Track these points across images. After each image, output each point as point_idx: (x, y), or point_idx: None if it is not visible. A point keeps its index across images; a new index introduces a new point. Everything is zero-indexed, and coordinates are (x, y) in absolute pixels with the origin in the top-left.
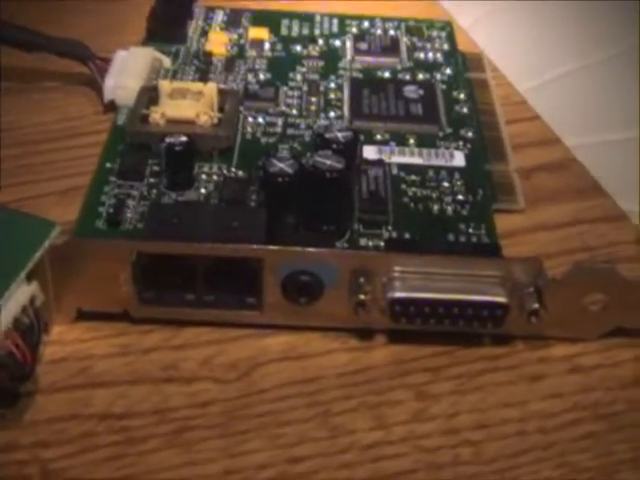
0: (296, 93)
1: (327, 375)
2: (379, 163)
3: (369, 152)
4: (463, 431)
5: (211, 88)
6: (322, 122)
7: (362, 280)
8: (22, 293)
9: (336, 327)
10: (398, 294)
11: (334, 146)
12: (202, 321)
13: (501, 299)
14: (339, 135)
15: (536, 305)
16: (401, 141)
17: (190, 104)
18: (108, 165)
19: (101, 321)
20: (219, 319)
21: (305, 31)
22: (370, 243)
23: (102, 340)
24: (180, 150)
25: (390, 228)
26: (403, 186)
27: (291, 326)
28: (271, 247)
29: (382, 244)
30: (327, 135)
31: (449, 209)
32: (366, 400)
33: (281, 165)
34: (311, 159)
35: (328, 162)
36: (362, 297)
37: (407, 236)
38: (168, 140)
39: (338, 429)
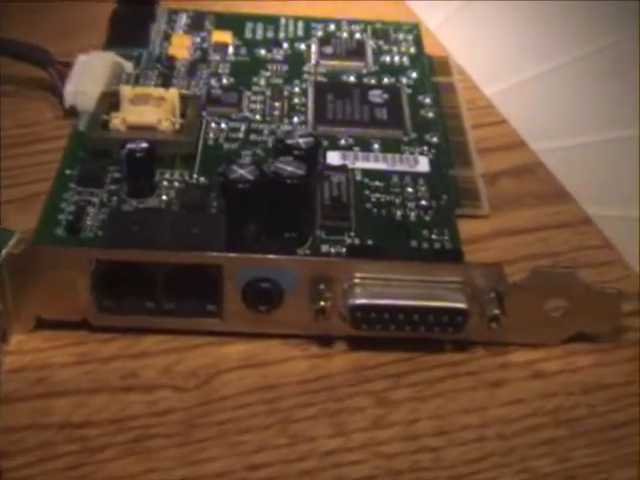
0: (259, 98)
1: (287, 382)
2: (342, 169)
3: (333, 158)
4: (423, 437)
5: (173, 94)
6: (285, 127)
7: (322, 287)
8: None
9: (296, 334)
10: (359, 300)
11: (295, 152)
12: (162, 329)
13: (461, 305)
14: (300, 141)
15: (496, 311)
16: (366, 146)
17: (152, 110)
18: (68, 172)
19: (60, 330)
20: (179, 327)
21: (270, 34)
22: (332, 250)
23: (61, 349)
24: (141, 156)
25: (352, 234)
26: (367, 192)
27: (251, 334)
28: (230, 254)
29: (344, 250)
30: (288, 141)
31: (412, 215)
32: (326, 407)
33: (242, 171)
34: (272, 165)
35: (289, 168)
36: (322, 304)
37: (370, 242)
38: (129, 146)
39: (298, 436)
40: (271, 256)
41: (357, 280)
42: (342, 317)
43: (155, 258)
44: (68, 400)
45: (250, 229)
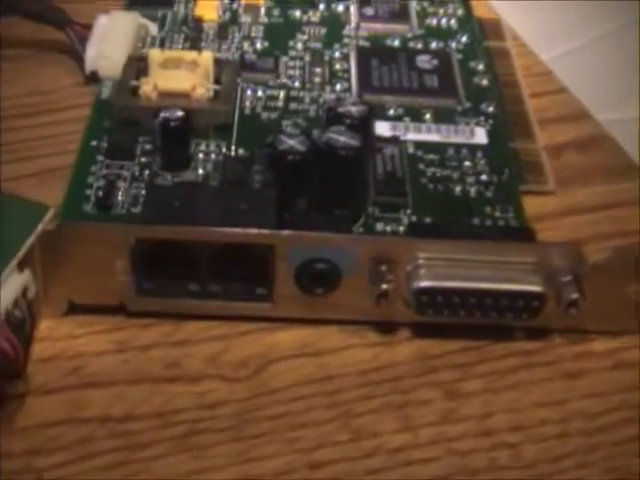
0: (298, 63)
1: (346, 373)
2: (394, 140)
3: (382, 128)
4: (498, 433)
5: (207, 58)
6: (328, 96)
7: (384, 268)
8: (14, 282)
9: (355, 320)
10: (424, 283)
11: (347, 121)
12: (207, 314)
13: (538, 288)
14: (352, 109)
15: (575, 295)
16: (416, 116)
17: (184, 75)
18: (94, 143)
19: (94, 315)
20: (226, 312)
21: None
22: (388, 228)
23: (96, 336)
24: (176, 126)
25: (409, 211)
26: (421, 166)
27: (305, 319)
28: (283, 232)
29: (401, 229)
30: (340, 109)
31: (472, 190)
32: (390, 400)
33: (291, 142)
34: (323, 135)
35: (342, 139)
36: (384, 287)
37: (428, 220)
38: (163, 115)
39: (361, 431)
40: (329, 234)
41: (422, 261)
42: (406, 302)
43: (200, 236)
44: (106, 392)
45: (300, 205)
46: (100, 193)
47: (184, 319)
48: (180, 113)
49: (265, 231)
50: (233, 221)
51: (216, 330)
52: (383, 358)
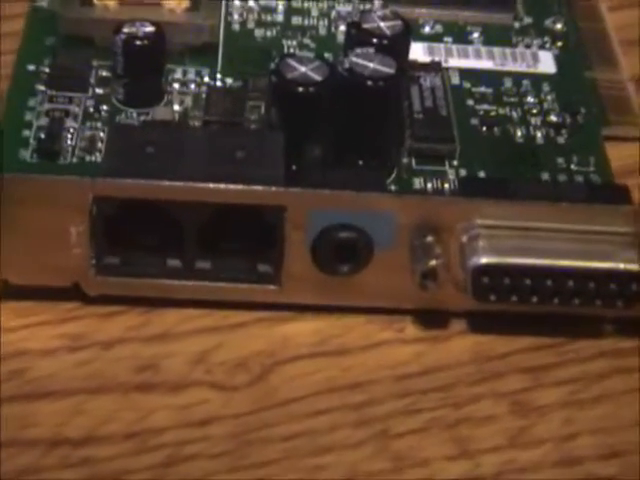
0: None
1: (379, 379)
2: (435, 68)
3: (415, 52)
4: (586, 461)
5: None
6: (343, 7)
7: (430, 239)
8: None
9: (390, 308)
10: (485, 259)
11: (376, 41)
12: (192, 300)
13: (636, 266)
14: (383, 25)
15: None
16: (460, 36)
17: None
18: (31, 68)
19: (39, 300)
20: (217, 296)
21: None
22: (429, 185)
23: (41, 328)
24: (145, 46)
25: (456, 163)
26: (470, 102)
27: (324, 307)
28: (297, 189)
29: (446, 186)
30: (366, 25)
31: (539, 135)
32: (440, 416)
33: (304, 69)
34: (345, 60)
35: (371, 65)
36: (432, 264)
37: (482, 175)
38: (126, 30)
39: (403, 458)
40: (357, 193)
41: (481, 230)
42: (459, 284)
43: (183, 195)
44: (59, 405)
45: (314, 153)
46: (42, 135)
47: (161, 306)
48: (149, 29)
49: (271, 188)
50: (227, 174)
51: (204, 321)
52: (428, 359)
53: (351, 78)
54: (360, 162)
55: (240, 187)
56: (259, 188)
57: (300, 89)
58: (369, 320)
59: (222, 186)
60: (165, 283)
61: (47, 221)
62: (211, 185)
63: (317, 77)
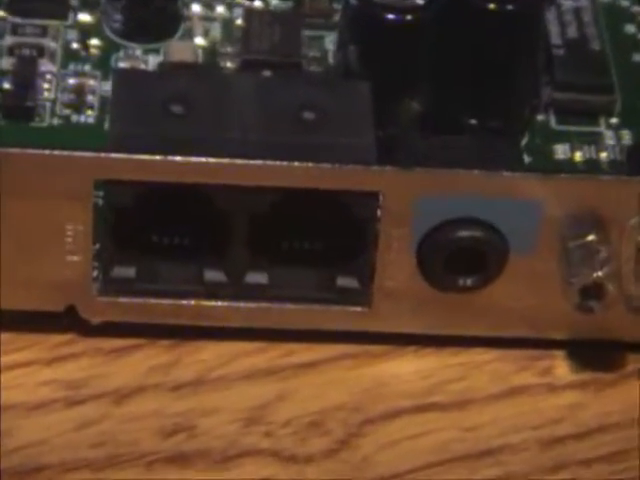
0: None
1: (519, 443)
2: None
3: None
4: None
5: None
6: None
7: (592, 239)
8: None
9: (532, 339)
10: None
11: None
12: (240, 329)
13: None
14: None
15: None
16: None
17: None
18: None
19: (21, 331)
20: (277, 324)
21: None
22: (577, 155)
23: (26, 371)
24: None
25: (615, 121)
26: (630, 27)
27: (434, 338)
28: (397, 168)
29: (603, 156)
30: None
31: None
32: None
33: None
34: None
35: None
36: (596, 275)
37: None
38: None
39: None
40: (488, 172)
41: None
42: (634, 303)
43: (229, 177)
44: None
45: (412, 111)
46: (6, 84)
47: (195, 338)
48: None
49: (358, 166)
50: (292, 147)
51: (259, 360)
52: (588, 415)
53: (468, 2)
54: (473, 122)
55: (311, 166)
56: (340, 167)
57: (392, 17)
58: (501, 356)
59: (285, 164)
60: (201, 305)
61: (29, 217)
62: (269, 163)
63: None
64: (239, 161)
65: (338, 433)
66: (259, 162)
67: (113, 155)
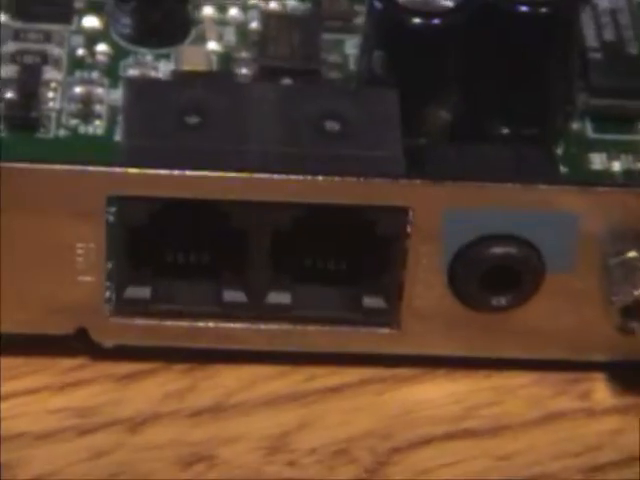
0: None
1: (558, 471)
2: None
3: None
4: None
5: None
6: None
7: (636, 255)
8: None
9: (570, 362)
10: None
11: None
12: (261, 352)
13: None
14: None
15: None
16: None
17: None
18: None
19: (29, 355)
20: (300, 346)
21: None
22: (615, 165)
23: (35, 398)
24: None
25: None
26: None
27: (466, 360)
28: (428, 181)
29: None
30: None
31: None
32: None
33: None
34: None
35: None
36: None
37: None
38: None
39: None
40: (524, 185)
41: None
42: None
43: (249, 193)
44: None
45: (441, 120)
46: (9, 93)
47: (214, 362)
48: None
49: (386, 180)
50: (316, 160)
51: (281, 384)
52: (630, 441)
53: (499, 2)
54: (505, 131)
55: (336, 180)
56: (366, 180)
57: (419, 21)
58: (537, 380)
59: (308, 179)
60: (220, 327)
61: (37, 235)
62: (291, 177)
63: (446, 1)
64: (259, 175)
65: (366, 462)
66: (280, 176)
67: (127, 170)
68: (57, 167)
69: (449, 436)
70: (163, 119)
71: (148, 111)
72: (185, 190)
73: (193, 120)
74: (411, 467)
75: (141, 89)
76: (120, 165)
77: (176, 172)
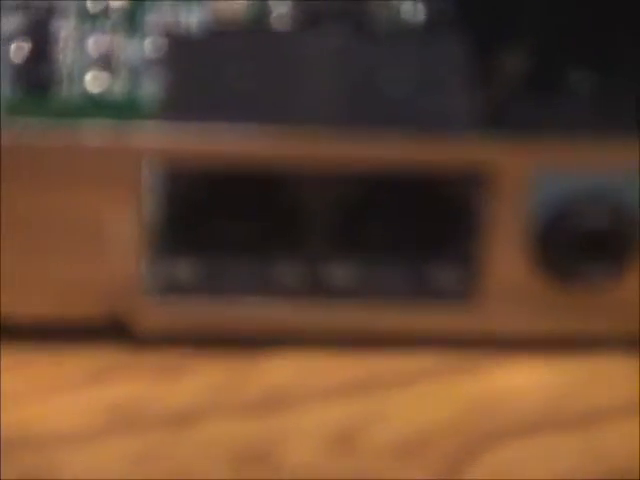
0: None
1: None
2: None
3: None
4: None
5: None
6: None
7: None
8: None
9: None
10: None
11: None
12: (320, 337)
13: None
14: None
15: None
16: None
17: None
18: None
19: (55, 345)
20: (364, 329)
21: None
22: None
23: (62, 394)
24: None
25: None
26: None
27: (557, 342)
28: (506, 135)
29: None
30: None
31: None
32: None
33: None
34: None
35: None
36: None
37: None
38: None
39: None
40: (625, 140)
41: None
42: None
43: (306, 160)
44: None
45: (516, 66)
46: (18, 52)
47: (266, 349)
48: None
49: (462, 138)
50: (375, 118)
51: (344, 373)
52: None
53: None
54: (592, 79)
55: (403, 138)
56: (438, 138)
57: None
58: (636, 364)
59: (371, 137)
60: (273, 311)
61: (62, 211)
62: (351, 135)
63: None
64: (319, 130)
65: (442, 459)
66: (340, 132)
67: (171, 126)
68: (84, 130)
69: (535, 429)
70: (204, 74)
71: (186, 66)
72: (234, 148)
73: (236, 75)
74: (491, 465)
75: (180, 42)
76: (162, 122)
77: (223, 125)
